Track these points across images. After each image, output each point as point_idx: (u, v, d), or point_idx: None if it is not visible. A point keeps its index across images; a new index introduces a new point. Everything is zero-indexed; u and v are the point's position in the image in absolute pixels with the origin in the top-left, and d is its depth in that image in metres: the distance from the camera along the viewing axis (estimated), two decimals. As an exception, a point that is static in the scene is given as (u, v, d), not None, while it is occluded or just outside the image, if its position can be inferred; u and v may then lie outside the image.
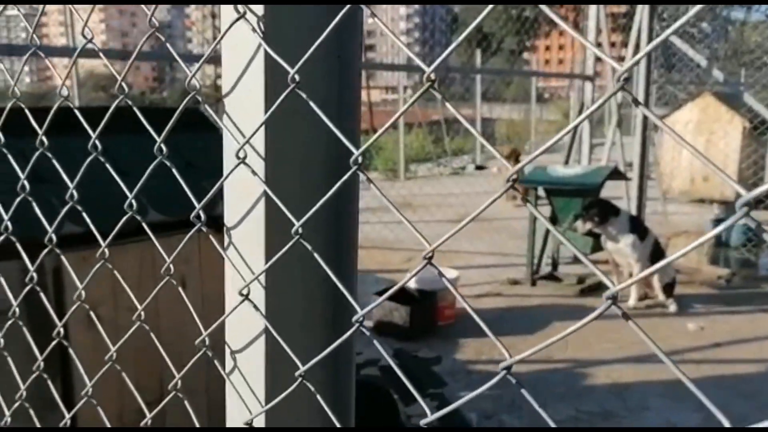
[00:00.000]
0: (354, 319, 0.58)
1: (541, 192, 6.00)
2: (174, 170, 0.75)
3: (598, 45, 7.51)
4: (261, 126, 0.63)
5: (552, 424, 0.55)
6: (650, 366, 4.26)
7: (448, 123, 16.04)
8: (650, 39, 6.68)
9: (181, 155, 2.59)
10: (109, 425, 0.99)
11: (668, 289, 5.42)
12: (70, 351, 1.07)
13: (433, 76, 0.50)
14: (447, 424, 3.68)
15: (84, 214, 0.99)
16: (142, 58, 5.70)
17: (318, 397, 0.63)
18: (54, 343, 1.01)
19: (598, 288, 5.87)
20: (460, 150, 16.48)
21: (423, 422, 0.55)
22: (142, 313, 0.87)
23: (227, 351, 0.75)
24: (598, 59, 7.32)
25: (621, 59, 9.04)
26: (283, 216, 0.64)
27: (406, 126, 14.67)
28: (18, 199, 1.13)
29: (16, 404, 1.08)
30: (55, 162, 0.96)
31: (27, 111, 0.98)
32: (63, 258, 1.01)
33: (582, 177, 5.73)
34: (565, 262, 6.50)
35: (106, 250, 0.90)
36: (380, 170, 13.83)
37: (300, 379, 0.64)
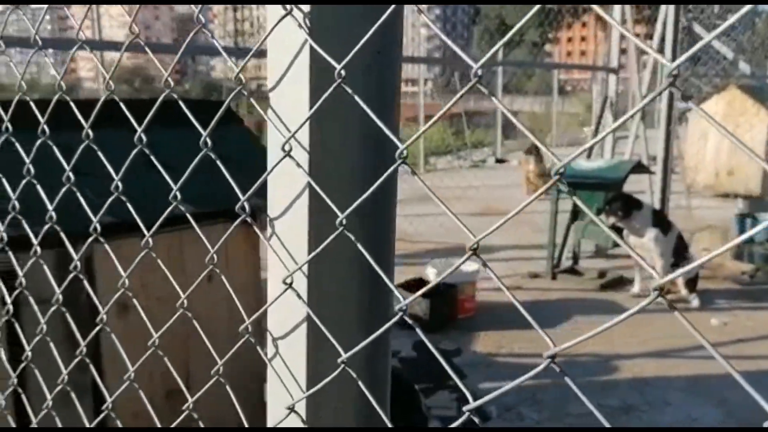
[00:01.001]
0: (397, 308, 0.60)
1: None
2: (220, 164, 0.77)
3: (623, 37, 7.43)
4: (307, 120, 0.65)
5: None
6: (672, 361, 4.23)
7: (468, 115, 15.98)
8: (676, 31, 6.60)
9: (216, 150, 2.61)
10: (150, 408, 1.02)
11: (691, 284, 5.38)
12: (111, 336, 1.10)
13: (479, 72, 0.51)
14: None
15: (127, 205, 1.01)
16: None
17: (359, 383, 0.65)
18: (97, 329, 1.04)
19: (619, 282, 5.83)
20: (480, 143, 16.43)
21: (466, 408, 0.56)
22: (185, 301, 0.90)
23: (269, 338, 0.77)
24: (622, 51, 7.24)
25: (643, 50, 8.91)
26: (325, 207, 0.66)
27: (427, 118, 14.62)
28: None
29: (58, 388, 1.12)
30: (100, 154, 0.99)
31: (73, 105, 1.01)
32: (106, 246, 1.05)
33: (605, 171, 5.70)
34: (586, 256, 6.47)
35: (150, 240, 0.92)
36: (400, 162, 13.81)
37: (342, 365, 0.66)
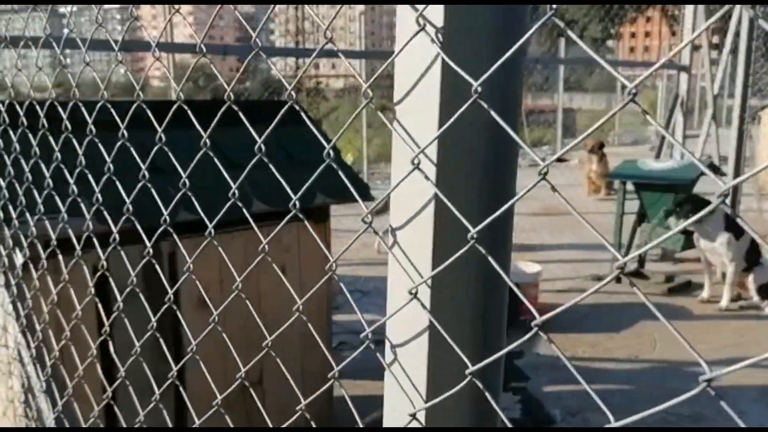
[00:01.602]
0: (533, 324, 0.61)
1: (629, 186, 5.83)
2: (342, 165, 0.79)
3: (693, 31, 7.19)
4: (438, 135, 0.66)
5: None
6: (745, 369, 4.09)
7: (527, 113, 15.76)
8: (751, 26, 6.35)
9: (284, 149, 2.68)
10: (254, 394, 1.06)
11: (764, 290, 5.17)
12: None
13: (634, 91, 0.51)
14: (532, 418, 3.67)
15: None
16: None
17: (487, 394, 0.65)
18: (209, 328, 1.08)
19: (687, 287, 5.66)
20: (539, 141, 16.17)
21: (608, 426, 0.56)
22: (301, 306, 0.92)
23: (387, 344, 0.78)
24: (695, 48, 7.00)
25: (715, 46, 8.60)
26: (450, 219, 0.66)
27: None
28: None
29: (168, 381, 1.17)
30: (216, 160, 1.03)
31: (189, 111, 1.05)
32: (214, 240, 1.09)
33: (674, 172, 5.53)
34: (652, 260, 6.30)
35: (267, 247, 0.95)
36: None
37: (469, 377, 0.67)
